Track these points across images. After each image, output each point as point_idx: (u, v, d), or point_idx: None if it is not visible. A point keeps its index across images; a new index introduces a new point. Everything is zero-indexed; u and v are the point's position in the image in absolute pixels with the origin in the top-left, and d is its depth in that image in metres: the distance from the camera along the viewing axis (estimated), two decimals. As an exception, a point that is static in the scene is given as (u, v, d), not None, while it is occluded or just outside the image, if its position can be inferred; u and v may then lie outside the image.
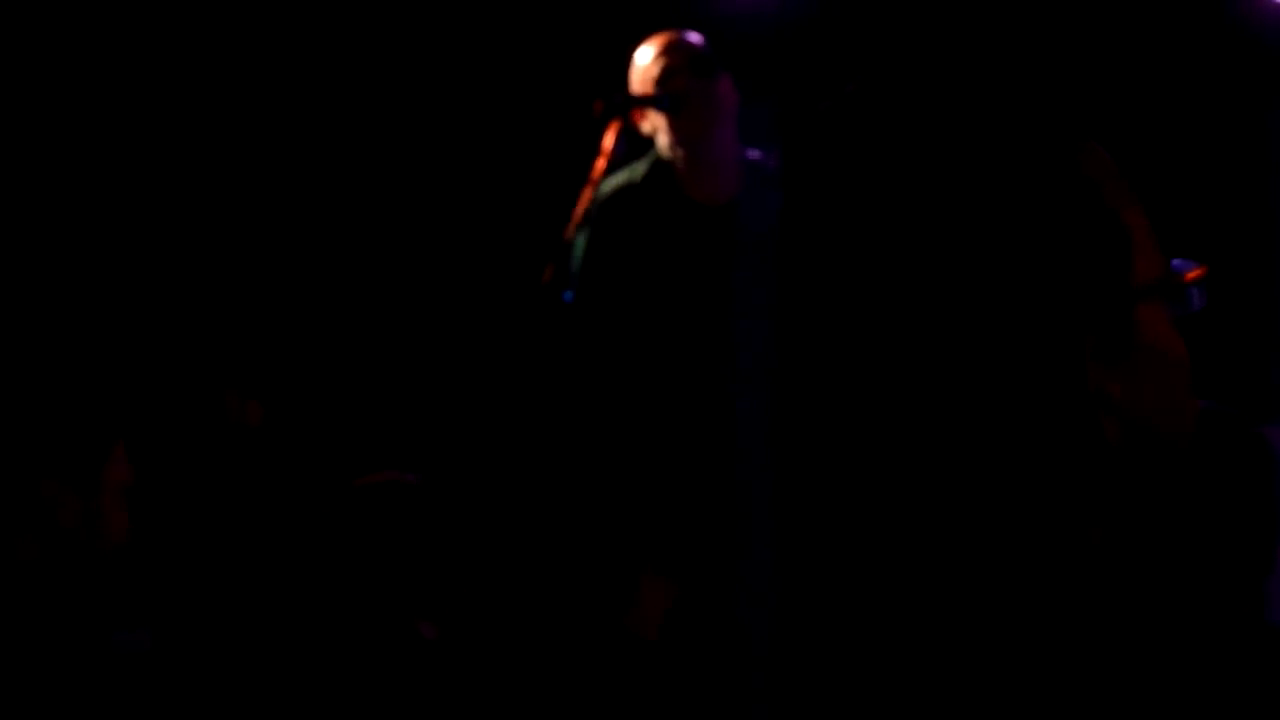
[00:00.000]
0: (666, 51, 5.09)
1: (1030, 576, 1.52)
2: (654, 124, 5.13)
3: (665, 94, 5.06)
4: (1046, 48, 5.63)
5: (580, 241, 5.15)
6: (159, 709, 3.52)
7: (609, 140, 4.96)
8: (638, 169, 5.20)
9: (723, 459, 5.02)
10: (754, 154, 5.20)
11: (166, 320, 5.82)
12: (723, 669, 4.83)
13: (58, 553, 3.48)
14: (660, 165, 5.17)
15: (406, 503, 3.61)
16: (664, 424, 5.12)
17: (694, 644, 4.99)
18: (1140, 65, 5.84)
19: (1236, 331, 5.65)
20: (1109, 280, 1.46)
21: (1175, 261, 1.50)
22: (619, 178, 5.19)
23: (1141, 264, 1.48)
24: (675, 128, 5.09)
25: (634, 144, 5.12)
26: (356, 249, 6.13)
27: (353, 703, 3.43)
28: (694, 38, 5.15)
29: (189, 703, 3.56)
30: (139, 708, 3.49)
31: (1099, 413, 1.47)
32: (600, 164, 4.96)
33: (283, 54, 6.11)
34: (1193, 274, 1.50)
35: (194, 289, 5.94)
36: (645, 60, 5.09)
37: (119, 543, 3.54)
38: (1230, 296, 5.58)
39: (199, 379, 5.25)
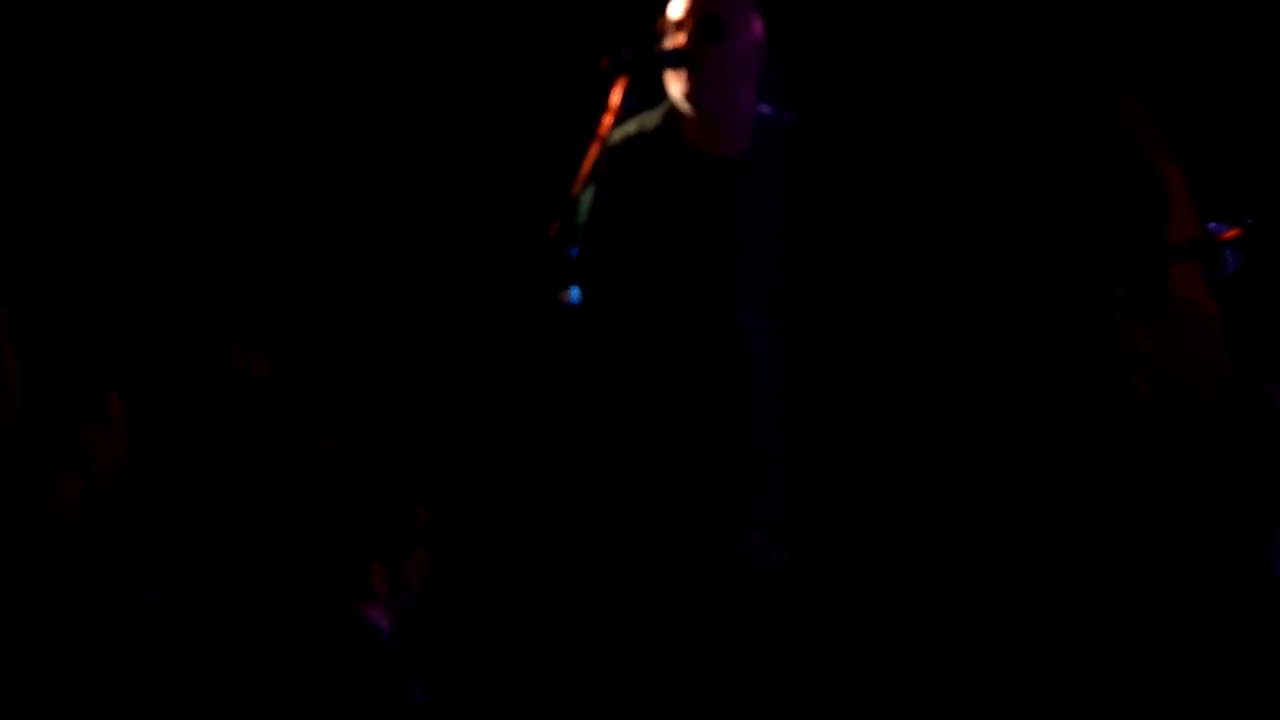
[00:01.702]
0: (684, 3, 5.08)
1: (1058, 536, 1.51)
2: (666, 76, 5.12)
3: (669, 51, 5.05)
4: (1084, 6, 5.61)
5: (588, 192, 5.14)
6: (164, 663, 3.52)
7: (615, 97, 4.95)
8: (649, 119, 5.20)
9: (733, 413, 5.02)
10: (765, 109, 5.18)
11: (170, 274, 5.82)
12: (736, 655, 4.83)
13: (96, 493, 3.49)
14: (673, 116, 5.16)
15: (338, 475, 3.58)
16: (672, 376, 5.12)
17: (707, 630, 5.00)
18: (1168, 28, 5.82)
19: (1244, 290, 5.63)
20: (1144, 235, 1.45)
21: (1211, 224, 1.49)
22: (629, 127, 5.18)
23: (1177, 223, 1.47)
24: (682, 83, 5.09)
25: (640, 100, 5.11)
26: (361, 204, 6.12)
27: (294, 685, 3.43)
28: None
29: (193, 658, 3.56)
30: (145, 662, 3.49)
31: (1129, 368, 1.46)
32: (607, 120, 4.95)
33: (280, 9, 6.09)
34: (1229, 235, 1.48)
35: (199, 244, 5.94)
36: (670, 7, 5.09)
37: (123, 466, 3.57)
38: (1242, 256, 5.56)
39: (202, 332, 5.24)
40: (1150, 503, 1.55)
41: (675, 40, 5.06)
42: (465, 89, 6.14)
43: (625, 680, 5.03)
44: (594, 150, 4.95)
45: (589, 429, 5.14)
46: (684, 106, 5.13)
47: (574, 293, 4.79)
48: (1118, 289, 1.45)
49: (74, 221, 5.88)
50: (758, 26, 5.14)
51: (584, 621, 5.09)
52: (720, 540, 5.02)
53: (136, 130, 5.99)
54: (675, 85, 5.11)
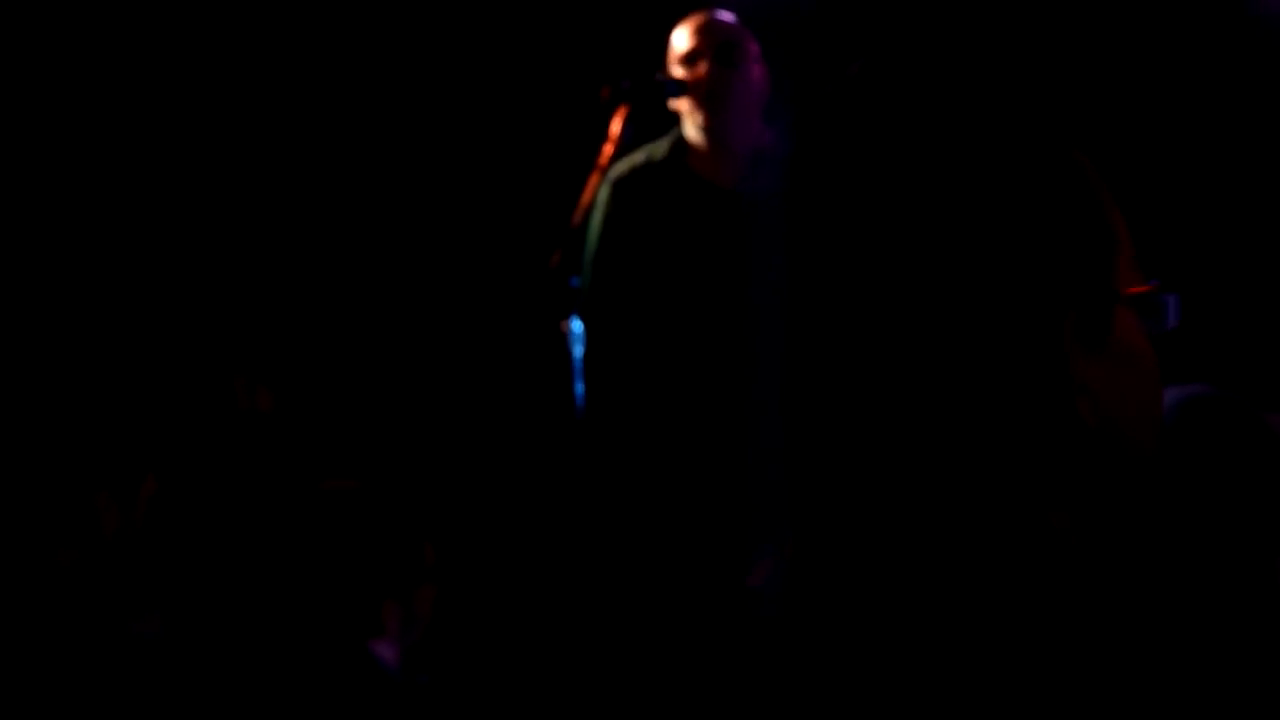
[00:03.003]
0: (693, 34, 5.11)
1: (1009, 554, 1.55)
2: (681, 106, 5.15)
3: (672, 79, 5.08)
4: (1059, 42, 5.63)
5: (596, 219, 5.16)
6: (169, 695, 3.55)
7: (616, 126, 4.97)
8: (658, 148, 5.22)
9: (736, 442, 5.04)
10: (773, 139, 5.21)
11: (173, 307, 5.84)
12: (736, 654, 4.85)
13: (96, 557, 3.55)
14: (682, 146, 5.18)
15: (350, 512, 3.61)
16: (678, 408, 5.13)
17: (711, 630, 5.01)
18: (1152, 58, 5.83)
19: (1241, 316, 5.65)
20: (1093, 270, 1.51)
21: (1154, 281, 1.54)
22: (637, 156, 5.20)
23: (1123, 271, 1.53)
24: (695, 111, 5.11)
25: (640, 130, 5.13)
26: (364, 236, 6.14)
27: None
28: (725, 20, 5.15)
29: (198, 689, 3.59)
30: (150, 693, 3.52)
31: (1077, 396, 1.51)
32: (607, 150, 4.97)
33: (284, 41, 6.12)
34: (1142, 288, 1.54)
35: (201, 274, 5.96)
36: (675, 40, 5.13)
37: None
38: (1236, 281, 5.59)
39: (207, 365, 5.27)
40: (1084, 522, 1.59)
41: (692, 72, 5.09)
42: (467, 120, 6.17)
43: (629, 711, 5.05)
44: (594, 180, 4.97)
45: (593, 462, 5.16)
46: (697, 137, 5.16)
47: (574, 323, 4.82)
48: (1067, 318, 1.51)
49: (77, 254, 5.91)
50: (759, 55, 5.18)
51: (588, 654, 5.11)
52: (723, 571, 5.04)
53: (144, 158, 6.02)
54: (695, 116, 5.13)
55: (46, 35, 5.95)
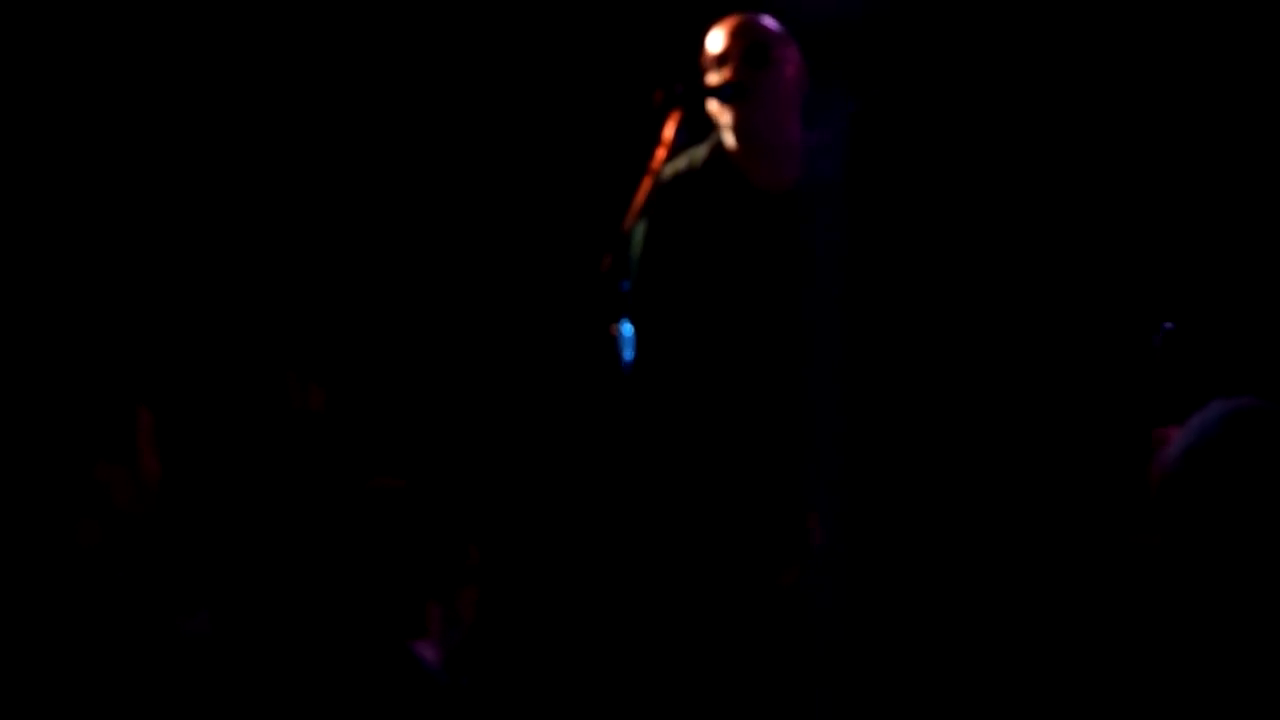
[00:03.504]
0: (725, 38, 5.13)
1: (1084, 570, 1.56)
2: (714, 110, 5.17)
3: (723, 84, 5.09)
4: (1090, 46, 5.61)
5: (640, 228, 5.18)
6: (214, 691, 3.58)
7: (669, 130, 4.98)
8: (697, 154, 5.24)
9: (791, 447, 5.04)
10: (814, 138, 5.21)
11: (224, 303, 5.87)
12: (791, 657, 4.86)
13: (118, 532, 3.56)
14: (721, 150, 5.20)
15: (396, 512, 3.62)
16: (731, 414, 5.14)
17: (765, 632, 5.02)
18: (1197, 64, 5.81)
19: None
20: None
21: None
22: (678, 163, 5.22)
23: None
24: (732, 115, 5.13)
25: (694, 134, 5.14)
26: (418, 238, 6.16)
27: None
28: (761, 23, 5.16)
29: (243, 685, 3.62)
30: (195, 689, 3.54)
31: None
32: (660, 154, 4.98)
33: (353, 46, 6.16)
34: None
35: (255, 270, 5.99)
36: (709, 43, 5.15)
37: (157, 486, 3.64)
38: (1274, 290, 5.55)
39: (258, 363, 5.30)
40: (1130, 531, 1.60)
41: (722, 73, 5.11)
42: (520, 123, 6.18)
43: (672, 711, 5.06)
44: (646, 184, 4.99)
45: (642, 465, 5.17)
46: (730, 139, 5.18)
47: (625, 326, 4.83)
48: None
49: (125, 252, 5.95)
50: (797, 57, 5.20)
51: (632, 656, 5.12)
52: (769, 576, 5.04)
53: (197, 156, 6.05)
54: (725, 117, 5.15)
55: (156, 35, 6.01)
